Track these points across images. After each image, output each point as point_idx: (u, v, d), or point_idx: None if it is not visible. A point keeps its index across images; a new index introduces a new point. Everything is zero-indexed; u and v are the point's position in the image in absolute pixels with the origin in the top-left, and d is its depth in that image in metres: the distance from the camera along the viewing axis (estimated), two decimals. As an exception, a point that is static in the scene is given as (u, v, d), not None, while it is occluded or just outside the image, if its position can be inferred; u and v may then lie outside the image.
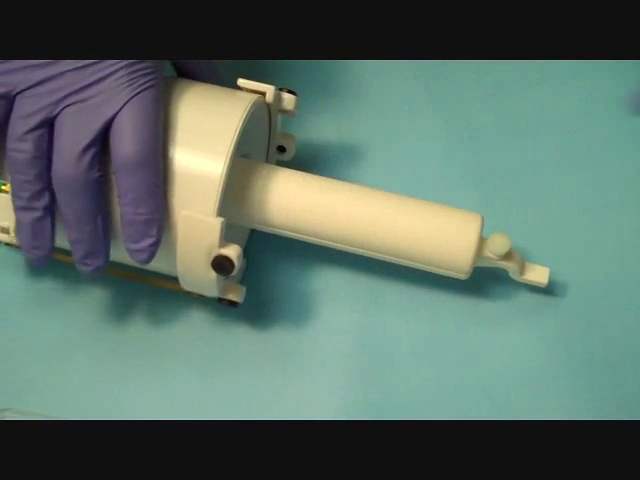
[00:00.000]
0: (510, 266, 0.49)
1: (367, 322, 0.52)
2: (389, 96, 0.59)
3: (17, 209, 0.44)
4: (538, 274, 0.49)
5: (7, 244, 0.49)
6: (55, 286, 0.53)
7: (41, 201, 0.44)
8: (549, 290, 0.51)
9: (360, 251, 0.49)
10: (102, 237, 0.45)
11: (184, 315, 0.52)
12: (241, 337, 0.51)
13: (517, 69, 0.59)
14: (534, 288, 0.51)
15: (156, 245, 0.44)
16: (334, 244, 0.49)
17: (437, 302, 0.52)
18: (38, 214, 0.44)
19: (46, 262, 0.46)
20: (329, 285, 0.53)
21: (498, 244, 0.47)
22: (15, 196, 0.44)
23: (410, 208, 0.48)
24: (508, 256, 0.48)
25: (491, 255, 0.48)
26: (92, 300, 0.52)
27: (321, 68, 0.60)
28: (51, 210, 0.44)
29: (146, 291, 0.52)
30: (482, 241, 0.48)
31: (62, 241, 0.46)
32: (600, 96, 0.58)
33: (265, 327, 0.52)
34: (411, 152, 0.57)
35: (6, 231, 0.48)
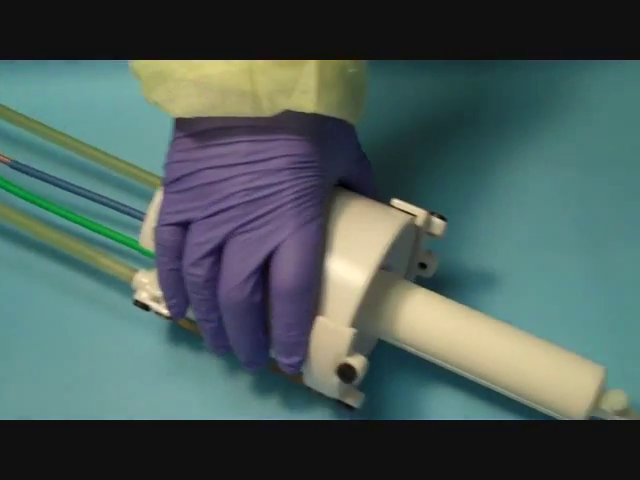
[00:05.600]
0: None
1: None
2: (536, 230, 0.61)
3: (198, 320, 0.49)
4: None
5: (157, 313, 0.52)
6: (192, 355, 0.56)
7: (216, 313, 0.48)
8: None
9: (478, 380, 0.50)
10: (260, 348, 0.49)
11: (305, 408, 0.54)
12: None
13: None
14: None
15: (302, 362, 0.47)
16: (454, 368, 0.50)
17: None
18: (215, 324, 0.48)
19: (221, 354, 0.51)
20: (442, 404, 0.54)
21: (614, 401, 0.48)
22: (195, 310, 0.48)
23: (536, 350, 0.49)
24: (624, 412, 0.49)
25: (606, 409, 0.48)
26: (224, 374, 0.55)
27: (461, 193, 0.62)
28: None
29: (276, 380, 0.54)
30: (601, 394, 0.48)
31: None
32: None
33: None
34: (549, 288, 0.58)
35: (157, 300, 0.52)
